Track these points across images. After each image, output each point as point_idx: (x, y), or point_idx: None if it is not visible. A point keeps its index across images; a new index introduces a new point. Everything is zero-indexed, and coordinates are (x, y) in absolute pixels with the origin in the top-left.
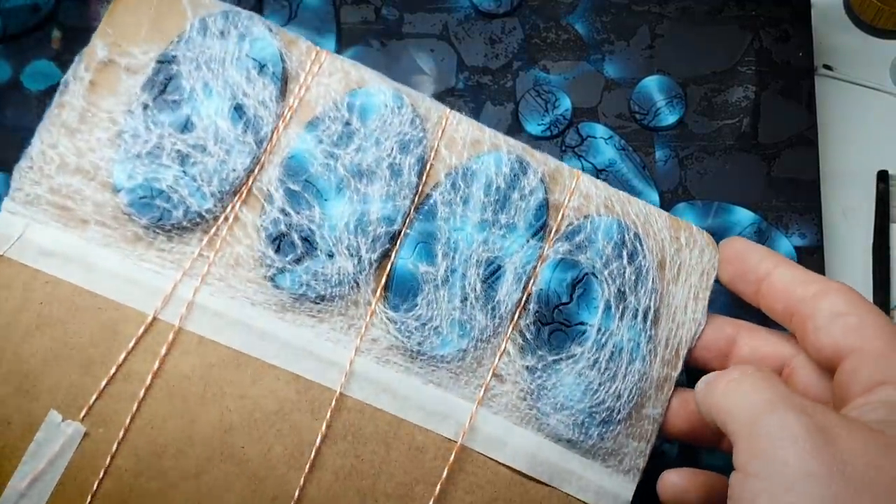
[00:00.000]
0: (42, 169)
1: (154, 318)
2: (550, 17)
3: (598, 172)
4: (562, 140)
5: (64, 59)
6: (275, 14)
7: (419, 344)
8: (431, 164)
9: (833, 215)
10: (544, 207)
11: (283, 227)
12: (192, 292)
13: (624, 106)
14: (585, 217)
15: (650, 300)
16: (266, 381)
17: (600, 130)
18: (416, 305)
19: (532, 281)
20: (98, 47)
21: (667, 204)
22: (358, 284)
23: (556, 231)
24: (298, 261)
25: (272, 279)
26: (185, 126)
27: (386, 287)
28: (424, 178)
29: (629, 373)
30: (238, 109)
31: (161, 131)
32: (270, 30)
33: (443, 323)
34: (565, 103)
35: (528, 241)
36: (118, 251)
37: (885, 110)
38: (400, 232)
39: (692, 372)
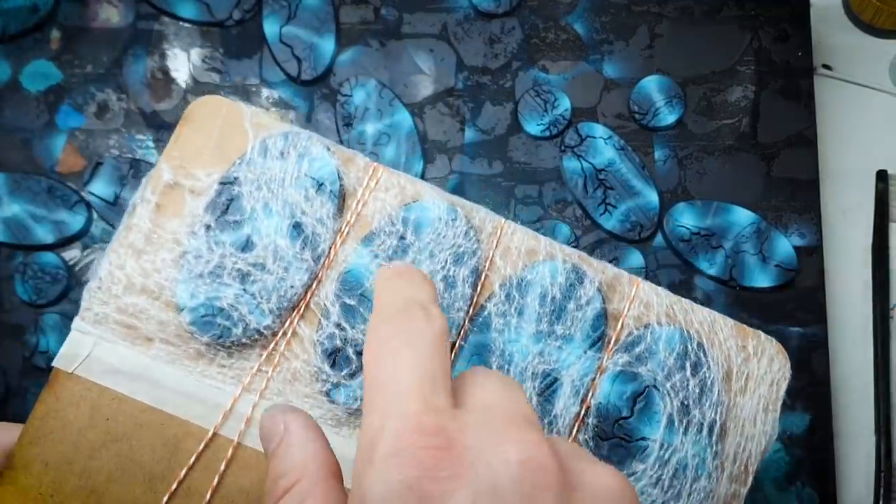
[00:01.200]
0: (110, 289)
1: (214, 434)
2: (550, 18)
3: (597, 172)
4: (561, 140)
5: (63, 60)
6: (274, 14)
7: None
8: (486, 275)
9: (832, 215)
10: (602, 317)
11: (338, 342)
12: (251, 408)
13: (623, 106)
14: (646, 327)
15: (716, 413)
16: None
17: (600, 130)
18: None
19: (590, 394)
20: (164, 170)
21: (666, 204)
22: None
23: (616, 341)
24: (353, 375)
25: (327, 394)
26: (246, 245)
27: None
28: (479, 289)
29: (694, 490)
30: (297, 227)
31: (223, 251)
32: (328, 149)
33: None
34: (564, 103)
35: (585, 353)
36: (182, 368)
37: (884, 110)
38: (455, 344)
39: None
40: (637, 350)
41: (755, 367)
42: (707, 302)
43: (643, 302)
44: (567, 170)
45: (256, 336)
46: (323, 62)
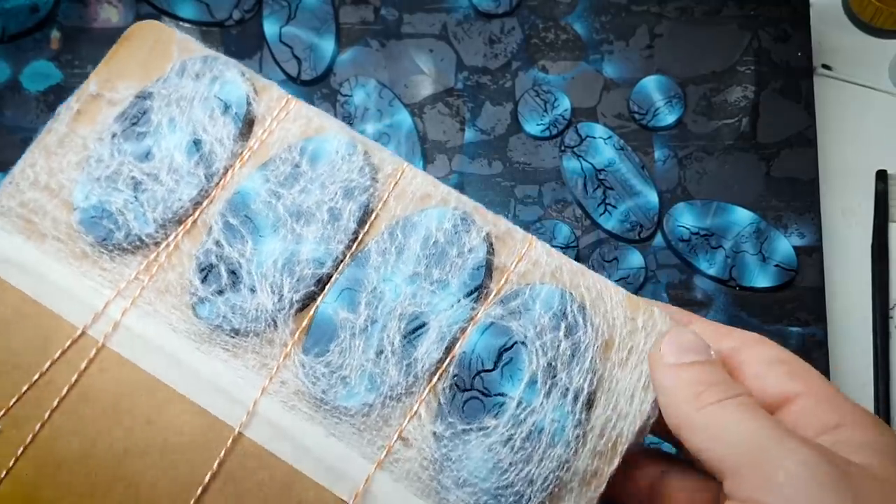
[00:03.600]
0: (18, 184)
1: (82, 333)
2: (549, 18)
3: (597, 172)
4: (561, 140)
5: (63, 60)
6: (274, 14)
7: (324, 392)
8: (377, 215)
9: (832, 215)
10: (483, 268)
11: (213, 259)
12: (120, 313)
13: (623, 106)
14: (528, 284)
15: (585, 381)
16: (174, 410)
17: (599, 130)
18: (328, 351)
19: (458, 344)
20: (91, 83)
21: (666, 204)
22: (276, 323)
23: (497, 295)
24: (221, 292)
25: (193, 308)
26: (146, 156)
27: (306, 331)
28: (367, 227)
29: (547, 457)
30: (196, 144)
31: (122, 158)
32: (243, 74)
33: (352, 373)
34: (564, 103)
35: (459, 301)
36: (67, 266)
37: (884, 110)
38: (330, 277)
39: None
40: (512, 304)
41: (641, 341)
42: (707, 302)
43: (532, 260)
44: (567, 170)
45: (138, 243)
46: (323, 62)
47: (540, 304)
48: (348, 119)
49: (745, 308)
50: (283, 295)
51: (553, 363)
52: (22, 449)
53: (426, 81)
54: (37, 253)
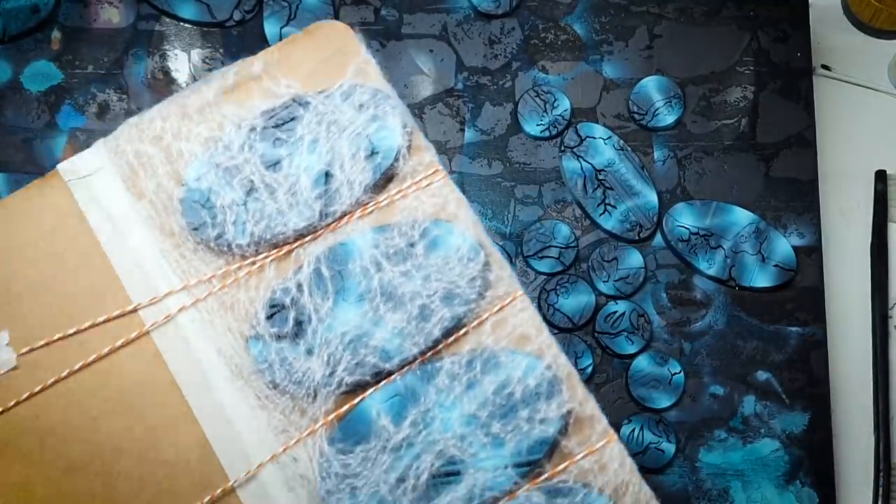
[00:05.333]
0: (142, 132)
1: (133, 310)
2: (549, 18)
3: (596, 172)
4: (561, 140)
5: (63, 60)
6: (275, 15)
7: (328, 493)
8: (467, 332)
9: (831, 215)
10: (547, 446)
11: (287, 300)
12: (178, 308)
13: (623, 106)
14: (584, 485)
15: None
16: (181, 428)
17: (599, 131)
18: (352, 453)
19: None
20: (257, 63)
21: (666, 204)
22: (315, 396)
23: (547, 480)
24: (279, 338)
25: (247, 340)
26: (274, 165)
27: (340, 418)
28: (450, 341)
29: None
30: (326, 177)
31: (250, 156)
32: (405, 126)
33: (364, 488)
34: (564, 103)
35: (505, 468)
36: (150, 236)
37: (883, 110)
38: (390, 374)
39: None
40: (557, 501)
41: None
42: (706, 302)
43: (602, 462)
44: (567, 170)
45: (226, 248)
46: None
47: None
48: None
49: (744, 308)
50: (335, 371)
51: None
52: (26, 395)
53: (426, 82)
54: (129, 207)
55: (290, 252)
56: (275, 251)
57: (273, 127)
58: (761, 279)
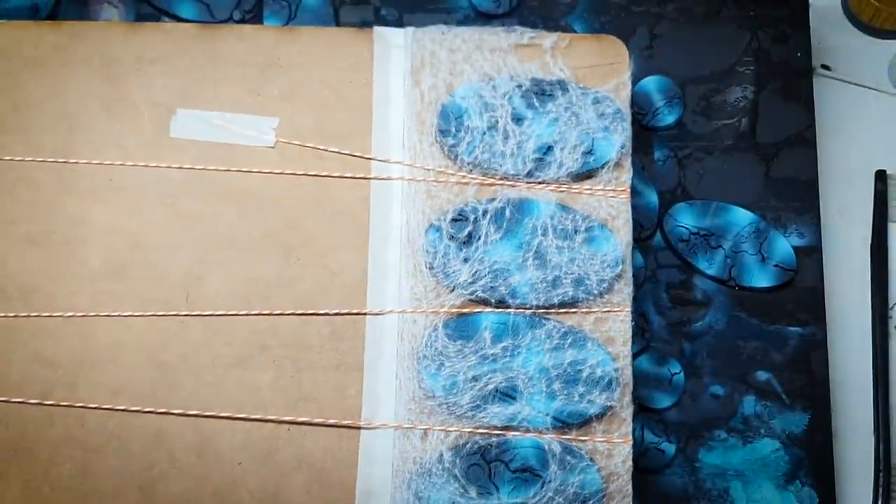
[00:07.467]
0: (445, 40)
1: (369, 159)
2: (549, 18)
3: None
4: None
5: None
6: (275, 14)
7: (423, 356)
8: (576, 313)
9: (831, 215)
10: (582, 418)
11: (472, 216)
12: (397, 176)
13: None
14: (591, 459)
15: None
16: (355, 251)
17: None
18: (454, 342)
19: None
20: (550, 39)
21: (666, 204)
22: (452, 290)
23: (569, 440)
24: (451, 238)
25: (430, 225)
26: (519, 120)
27: (460, 314)
28: (562, 311)
29: None
30: (548, 149)
31: (505, 103)
32: (623, 147)
33: (448, 368)
34: None
35: (546, 416)
36: (408, 117)
37: (883, 110)
38: (507, 307)
39: None
40: (567, 458)
41: None
42: (706, 302)
43: (611, 452)
44: None
45: (453, 157)
46: None
47: None
48: None
49: (744, 308)
50: (475, 283)
51: None
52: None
53: None
54: (404, 87)
55: (492, 185)
56: (482, 177)
57: (534, 93)
58: (761, 279)
